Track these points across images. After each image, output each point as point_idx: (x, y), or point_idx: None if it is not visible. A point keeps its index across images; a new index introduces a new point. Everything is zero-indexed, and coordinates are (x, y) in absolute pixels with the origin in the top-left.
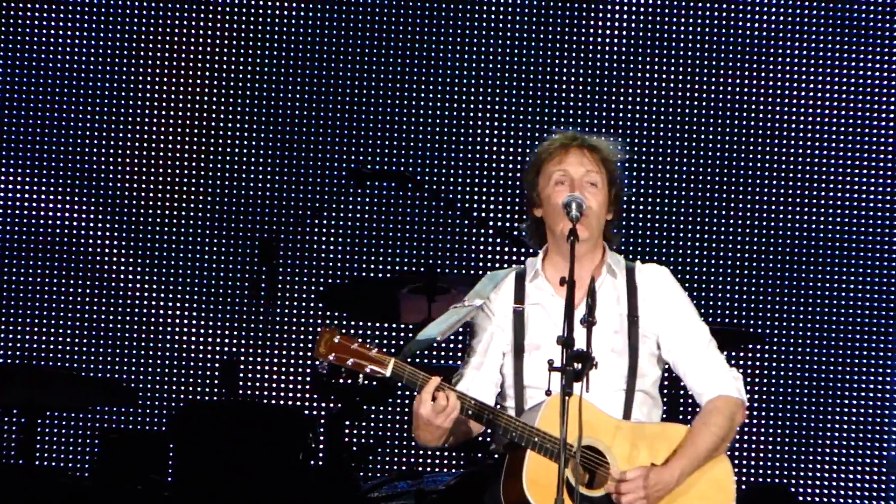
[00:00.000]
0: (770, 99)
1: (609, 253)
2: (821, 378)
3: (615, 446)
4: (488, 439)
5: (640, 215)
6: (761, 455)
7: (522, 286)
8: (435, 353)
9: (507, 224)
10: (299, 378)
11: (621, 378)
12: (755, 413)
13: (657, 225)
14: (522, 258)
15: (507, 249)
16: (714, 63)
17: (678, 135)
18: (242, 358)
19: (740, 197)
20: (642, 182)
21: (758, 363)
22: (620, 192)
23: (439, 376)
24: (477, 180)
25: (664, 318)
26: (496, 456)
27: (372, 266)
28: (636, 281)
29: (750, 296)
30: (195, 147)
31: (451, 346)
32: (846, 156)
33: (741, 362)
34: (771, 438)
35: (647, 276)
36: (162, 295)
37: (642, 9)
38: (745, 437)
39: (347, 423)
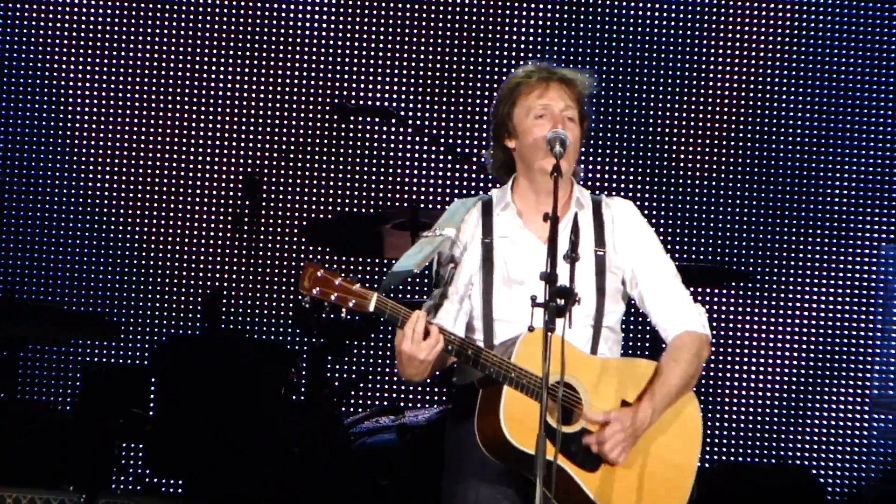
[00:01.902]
0: (754, 40)
1: (576, 186)
2: (802, 317)
3: (586, 381)
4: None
5: (633, 156)
6: (742, 392)
7: (490, 217)
8: (415, 286)
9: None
10: (282, 313)
11: (589, 314)
12: (735, 351)
13: (646, 162)
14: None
15: (490, 185)
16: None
17: (662, 66)
18: (225, 292)
19: (731, 136)
20: (634, 119)
21: (739, 300)
22: (589, 126)
23: (422, 311)
24: (460, 115)
25: (631, 253)
26: (456, 390)
27: (356, 201)
28: (602, 215)
29: (740, 234)
30: (180, 84)
31: (427, 278)
32: (832, 95)
33: (725, 299)
34: (752, 376)
35: (613, 211)
36: (145, 229)
37: None
38: (725, 373)
39: (329, 358)
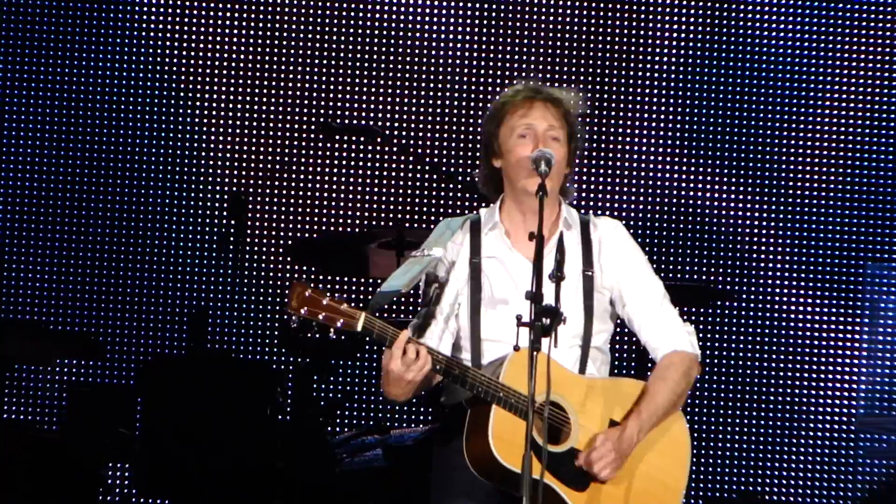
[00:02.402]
0: (742, 51)
1: (564, 206)
2: (788, 335)
3: (574, 401)
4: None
5: (618, 172)
6: (728, 412)
7: (478, 237)
8: (402, 306)
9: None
10: (268, 332)
11: (577, 334)
12: (721, 370)
13: (633, 182)
14: (485, 205)
15: (476, 205)
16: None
17: (650, 88)
18: (211, 311)
19: (717, 154)
20: (619, 138)
21: (725, 320)
22: (579, 147)
23: (408, 331)
24: (445, 135)
25: (619, 272)
26: (447, 410)
27: (341, 220)
28: (590, 235)
29: (725, 252)
30: (164, 101)
31: (416, 299)
32: (818, 112)
33: (710, 318)
34: (738, 395)
35: (601, 231)
36: (131, 248)
37: None
38: (711, 392)
39: (315, 377)
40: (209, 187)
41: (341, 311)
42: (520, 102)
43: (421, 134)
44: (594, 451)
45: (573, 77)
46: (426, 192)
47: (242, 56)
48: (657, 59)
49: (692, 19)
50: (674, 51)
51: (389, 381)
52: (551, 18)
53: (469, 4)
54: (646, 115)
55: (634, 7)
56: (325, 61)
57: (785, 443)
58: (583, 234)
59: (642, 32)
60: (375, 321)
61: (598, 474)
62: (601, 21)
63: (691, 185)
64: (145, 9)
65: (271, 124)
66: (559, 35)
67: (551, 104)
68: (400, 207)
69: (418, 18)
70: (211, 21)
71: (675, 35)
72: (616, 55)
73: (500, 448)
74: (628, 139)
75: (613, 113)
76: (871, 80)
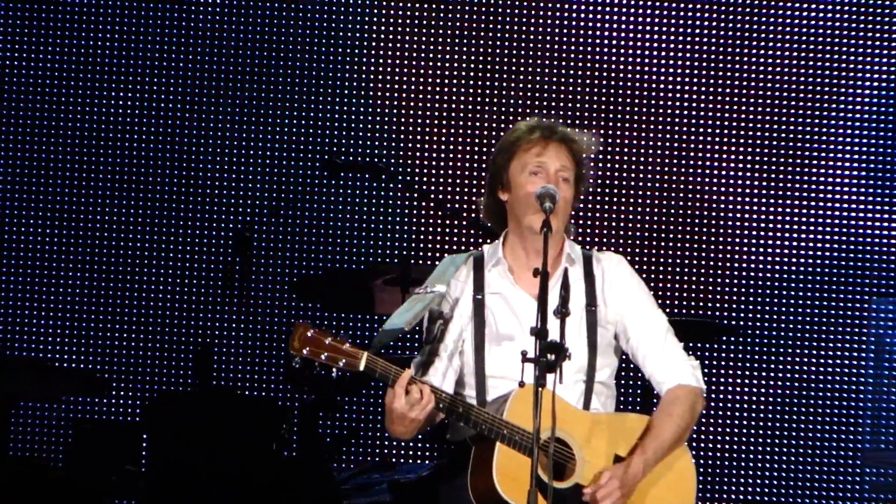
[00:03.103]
0: (748, 87)
1: (567, 242)
2: (794, 370)
3: (579, 437)
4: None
5: (618, 205)
6: (734, 446)
7: (482, 273)
8: (406, 343)
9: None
10: (273, 369)
11: (582, 369)
12: (727, 405)
13: (638, 217)
14: (489, 242)
15: (480, 241)
16: (686, 54)
17: (648, 123)
18: (216, 348)
19: (715, 189)
20: (617, 172)
21: (731, 355)
22: (585, 187)
23: (411, 370)
24: (450, 171)
25: (622, 307)
26: (453, 447)
27: (345, 257)
28: (593, 270)
29: (730, 288)
30: (168, 138)
31: (419, 335)
32: (820, 147)
33: (715, 353)
34: (743, 430)
35: (604, 266)
36: (136, 285)
37: None
38: (715, 425)
39: (321, 413)
40: (214, 224)
41: (343, 351)
42: (535, 140)
43: (426, 171)
44: (600, 489)
45: (583, 112)
46: (431, 229)
47: (247, 94)
48: (663, 87)
49: (703, 41)
50: (680, 79)
51: (393, 419)
52: (556, 55)
53: (474, 40)
54: (650, 148)
55: (646, 36)
56: (329, 98)
57: (791, 478)
58: (586, 270)
59: (648, 60)
60: (378, 361)
61: None
62: (604, 52)
63: (696, 219)
64: (149, 55)
65: (276, 161)
66: (563, 69)
67: (566, 145)
68: (405, 244)
69: (422, 55)
70: (216, 58)
71: (685, 64)
72: (621, 88)
73: (504, 485)
74: (633, 173)
75: (618, 145)
76: (881, 113)
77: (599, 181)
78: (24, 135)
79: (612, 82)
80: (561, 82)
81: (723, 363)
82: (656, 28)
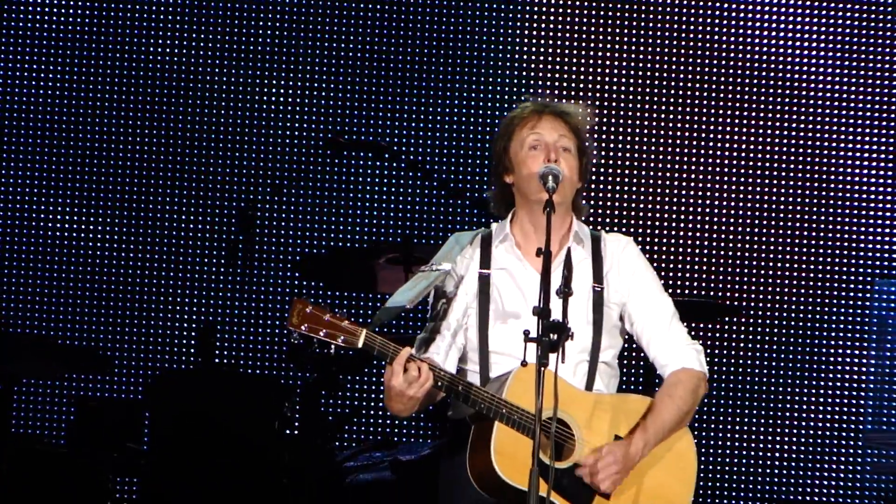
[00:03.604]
0: (747, 68)
1: (575, 221)
2: (796, 351)
3: (579, 418)
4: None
5: (624, 188)
6: (736, 427)
7: (489, 250)
8: (407, 321)
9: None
10: (275, 347)
11: (585, 349)
12: (730, 385)
13: (640, 199)
14: (494, 221)
15: (483, 220)
16: (686, 35)
17: (656, 104)
18: (219, 327)
19: (720, 171)
20: (624, 154)
21: (738, 335)
22: (590, 161)
23: (410, 347)
24: (454, 150)
25: (629, 289)
26: (454, 425)
27: (349, 236)
28: (601, 251)
29: (733, 269)
30: (172, 116)
31: (422, 313)
32: (824, 129)
33: (718, 335)
34: (745, 410)
35: (611, 247)
36: (139, 263)
37: None
38: (719, 408)
39: (323, 392)
40: (217, 202)
41: (342, 328)
42: (528, 116)
43: (429, 149)
44: (598, 462)
45: (585, 92)
46: (434, 208)
47: (251, 71)
48: (668, 74)
49: (705, 36)
50: (685, 67)
51: (391, 396)
52: (562, 34)
53: (478, 21)
54: (655, 133)
55: (649, 23)
56: (333, 77)
57: (792, 458)
58: (594, 250)
59: (651, 49)
60: (376, 338)
61: (599, 485)
62: (612, 40)
63: (700, 201)
64: (154, 26)
65: (279, 139)
66: (571, 51)
67: (560, 116)
68: (407, 223)
69: (427, 34)
70: (220, 36)
71: (689, 52)
72: (627, 71)
73: (502, 464)
74: (638, 155)
75: (623, 129)
76: (880, 101)
77: (603, 161)
78: (28, 119)
79: (617, 62)
80: (564, 62)
81: (725, 344)
82: (659, 12)
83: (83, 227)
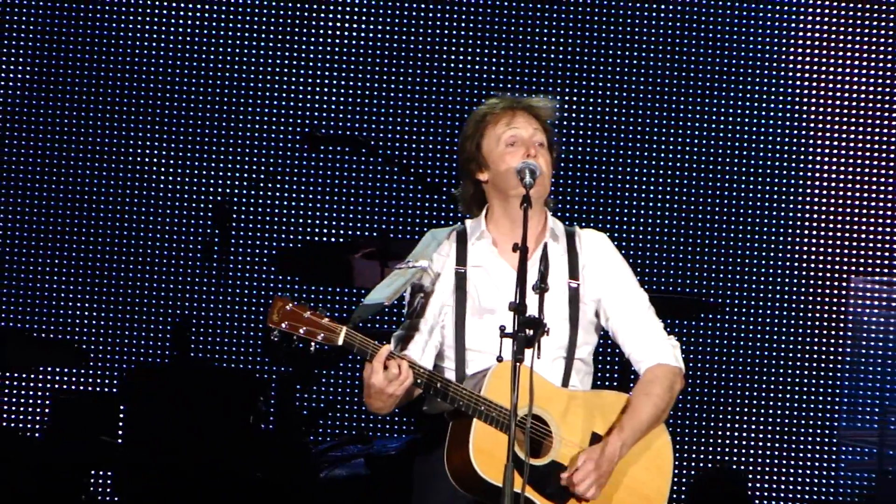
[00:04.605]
0: (723, 63)
1: (550, 217)
2: (773, 348)
3: (556, 414)
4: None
5: (602, 184)
6: (712, 424)
7: (464, 246)
8: (385, 317)
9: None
10: (251, 341)
11: (562, 345)
12: (706, 382)
13: (618, 195)
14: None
15: (460, 216)
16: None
17: (635, 99)
18: (194, 320)
19: (697, 167)
20: (599, 149)
21: (715, 332)
22: (558, 155)
23: (390, 344)
24: (431, 145)
25: (604, 285)
26: (429, 422)
27: (325, 230)
28: (577, 247)
29: (710, 265)
30: (149, 108)
31: (398, 308)
32: (801, 126)
33: (695, 331)
34: (722, 407)
35: (587, 243)
36: (115, 256)
37: None
38: (696, 405)
39: (298, 386)
40: (194, 196)
41: (322, 326)
42: (501, 112)
43: (406, 144)
44: (577, 472)
45: (557, 84)
46: (411, 203)
47: (228, 65)
48: (644, 67)
49: (683, 24)
50: (661, 56)
51: (371, 394)
52: (537, 28)
53: (455, 15)
54: (632, 128)
55: (624, 14)
56: (311, 70)
57: (767, 455)
58: (569, 246)
59: (629, 38)
60: (356, 335)
61: (583, 494)
62: (586, 29)
63: (677, 197)
64: (131, 17)
65: (256, 133)
66: (545, 44)
67: (533, 112)
68: (384, 218)
69: (404, 28)
70: (196, 28)
71: (667, 41)
72: (604, 63)
73: (480, 461)
74: (616, 151)
75: (598, 123)
76: (851, 100)
77: (579, 157)
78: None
79: (588, 55)
80: (542, 53)
81: (701, 340)
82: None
83: (59, 220)
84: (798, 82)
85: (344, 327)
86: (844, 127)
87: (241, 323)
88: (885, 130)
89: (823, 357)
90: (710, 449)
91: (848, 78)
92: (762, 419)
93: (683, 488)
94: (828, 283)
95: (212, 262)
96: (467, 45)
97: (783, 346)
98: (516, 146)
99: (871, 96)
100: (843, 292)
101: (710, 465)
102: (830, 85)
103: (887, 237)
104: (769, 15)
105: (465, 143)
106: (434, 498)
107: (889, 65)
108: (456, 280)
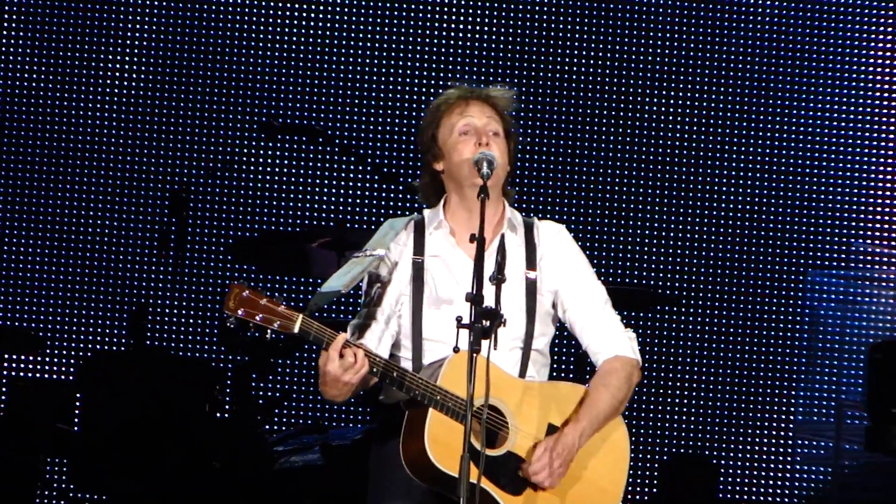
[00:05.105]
0: (691, 57)
1: (508, 208)
2: (729, 341)
3: (512, 405)
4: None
5: (561, 174)
6: (675, 416)
7: (422, 236)
8: (342, 307)
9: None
10: (207, 330)
11: (518, 336)
12: (661, 374)
13: (578, 187)
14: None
15: (417, 205)
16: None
17: (596, 89)
18: (151, 308)
19: (657, 159)
20: (560, 140)
21: (668, 324)
22: (516, 145)
23: (346, 333)
24: (387, 135)
25: (562, 276)
26: (385, 411)
27: (282, 220)
28: (534, 238)
29: (668, 257)
30: (106, 97)
31: (357, 298)
32: (761, 121)
33: (651, 323)
34: (677, 399)
35: (544, 234)
36: (72, 244)
37: None
38: (650, 396)
39: (254, 375)
40: (150, 184)
41: (278, 313)
42: (456, 102)
43: (363, 134)
44: (535, 463)
45: (519, 75)
46: (368, 193)
47: (185, 54)
48: (609, 57)
49: (651, 15)
50: (626, 48)
51: (326, 382)
52: (498, 16)
53: (414, 4)
54: (590, 118)
55: (582, 9)
56: (267, 60)
57: (724, 448)
58: (527, 237)
59: (594, 30)
60: (313, 323)
61: (540, 484)
62: (546, 19)
63: (636, 189)
64: (89, 4)
65: (213, 122)
66: (506, 33)
67: (487, 101)
68: (341, 207)
69: (361, 18)
70: (155, 18)
71: (633, 34)
72: (561, 56)
73: (435, 451)
74: (572, 141)
75: (558, 115)
76: (813, 94)
77: (535, 148)
78: None
79: (550, 47)
80: (505, 43)
81: (658, 332)
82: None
83: (16, 207)
84: (757, 75)
85: (300, 315)
86: (801, 120)
87: (197, 311)
88: (843, 125)
89: (780, 350)
90: (665, 442)
91: (806, 71)
92: (717, 411)
93: (639, 480)
94: (785, 276)
95: (169, 251)
96: (426, 34)
97: (741, 338)
98: (469, 135)
99: (821, 89)
100: (801, 285)
101: (675, 453)
102: (788, 77)
103: (845, 231)
104: (726, 8)
105: (421, 133)
106: (390, 487)
107: (841, 56)
108: (413, 270)
